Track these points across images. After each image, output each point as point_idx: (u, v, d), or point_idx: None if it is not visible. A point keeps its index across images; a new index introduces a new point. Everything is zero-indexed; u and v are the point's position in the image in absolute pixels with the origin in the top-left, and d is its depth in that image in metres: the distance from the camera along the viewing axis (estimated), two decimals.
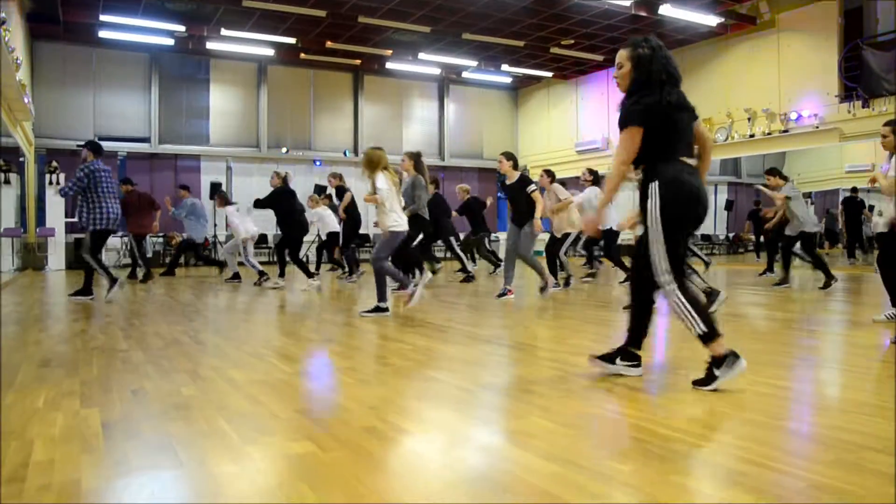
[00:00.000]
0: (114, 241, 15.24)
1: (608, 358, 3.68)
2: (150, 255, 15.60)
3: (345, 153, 18.99)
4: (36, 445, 2.51)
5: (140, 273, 11.71)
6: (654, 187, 3.32)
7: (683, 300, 3.30)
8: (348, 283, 10.61)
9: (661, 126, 3.33)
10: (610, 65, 18.14)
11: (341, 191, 11.23)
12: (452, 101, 20.86)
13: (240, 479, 2.17)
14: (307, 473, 2.21)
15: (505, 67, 18.65)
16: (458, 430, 2.75)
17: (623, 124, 3.36)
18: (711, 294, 6.22)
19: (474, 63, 18.14)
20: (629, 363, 3.64)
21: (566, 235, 9.10)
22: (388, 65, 18.24)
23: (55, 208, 14.75)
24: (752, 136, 14.87)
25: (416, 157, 8.47)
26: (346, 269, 11.49)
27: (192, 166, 17.28)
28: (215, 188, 15.32)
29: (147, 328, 5.72)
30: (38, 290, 9.75)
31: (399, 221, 6.50)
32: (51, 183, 14.65)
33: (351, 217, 11.01)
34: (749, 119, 14.91)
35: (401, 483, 2.15)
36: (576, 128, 19.59)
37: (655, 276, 3.36)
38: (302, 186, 16.34)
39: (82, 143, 8.53)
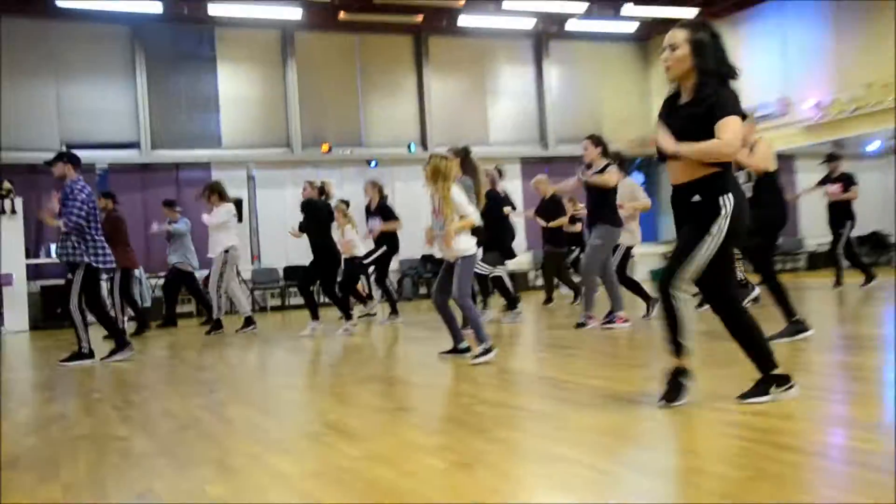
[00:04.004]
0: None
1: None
2: (148, 303, 16.00)
3: (409, 148, 19.16)
4: None
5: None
6: (727, 199, 4.30)
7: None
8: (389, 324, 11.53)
9: None
10: None
11: (387, 207, 11.71)
12: (554, 63, 20.82)
13: None
14: None
15: (628, 9, 18.57)
16: None
17: (732, 110, 4.25)
18: None
19: (583, 6, 18.10)
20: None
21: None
22: (462, 20, 18.42)
23: (12, 247, 14.78)
24: None
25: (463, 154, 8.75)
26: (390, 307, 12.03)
27: (200, 178, 17.12)
28: (236, 206, 15.64)
29: (152, 405, 5.87)
30: None
31: (472, 243, 7.15)
32: (3, 211, 14.79)
33: (392, 239, 11.80)
34: None
35: None
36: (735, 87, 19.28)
37: (681, 281, 4.34)
38: (351, 199, 16.52)
39: (46, 153, 8.91)
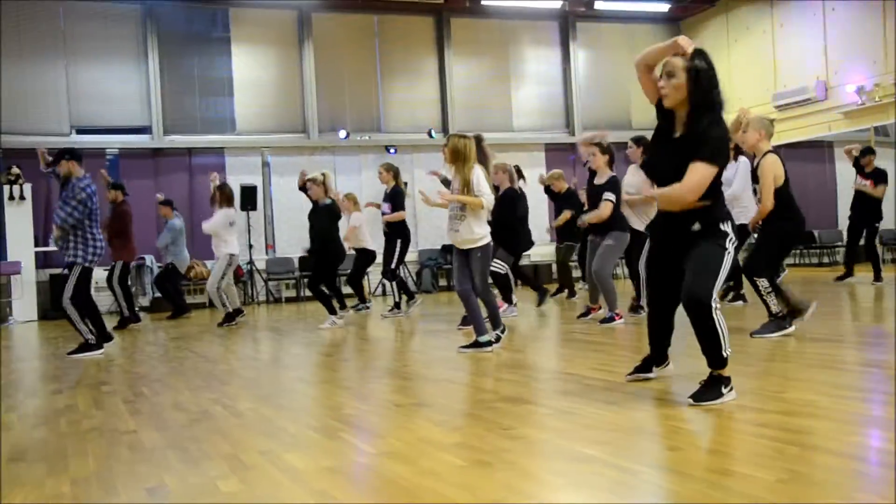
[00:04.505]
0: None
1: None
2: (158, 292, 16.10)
3: (430, 134, 19.10)
4: None
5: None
6: (728, 226, 4.61)
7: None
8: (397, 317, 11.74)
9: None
10: None
11: (397, 194, 11.71)
12: (582, 46, 20.71)
13: None
14: None
15: None
16: None
17: (711, 158, 4.43)
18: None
19: None
20: None
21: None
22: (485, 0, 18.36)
23: (20, 234, 14.94)
24: None
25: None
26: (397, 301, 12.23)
27: (213, 164, 17.26)
28: (248, 194, 15.66)
29: (162, 398, 5.92)
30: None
31: (486, 231, 7.48)
32: (11, 197, 14.87)
33: (402, 232, 11.86)
34: None
35: None
36: (773, 71, 19.12)
37: (714, 299, 4.50)
38: (369, 185, 16.60)
39: (56, 137, 9.00)
